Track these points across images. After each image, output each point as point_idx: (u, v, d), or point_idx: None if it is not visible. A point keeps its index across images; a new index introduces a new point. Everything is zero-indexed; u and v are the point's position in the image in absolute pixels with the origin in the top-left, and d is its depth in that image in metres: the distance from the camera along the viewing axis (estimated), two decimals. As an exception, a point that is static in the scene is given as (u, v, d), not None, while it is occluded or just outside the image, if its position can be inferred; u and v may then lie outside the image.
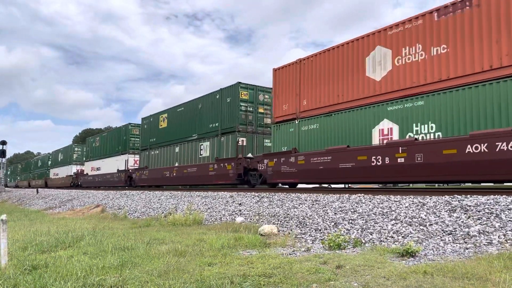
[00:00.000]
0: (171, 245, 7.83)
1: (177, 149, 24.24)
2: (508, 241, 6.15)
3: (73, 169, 44.66)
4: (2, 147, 48.46)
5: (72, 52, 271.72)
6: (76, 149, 46.44)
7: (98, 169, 36.81)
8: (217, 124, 20.79)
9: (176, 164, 23.97)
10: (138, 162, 30.68)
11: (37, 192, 36.44)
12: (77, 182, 41.39)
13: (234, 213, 12.04)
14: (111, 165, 33.48)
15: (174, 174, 23.63)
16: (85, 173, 40.39)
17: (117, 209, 17.81)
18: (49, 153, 57.32)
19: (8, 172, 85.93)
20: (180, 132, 24.25)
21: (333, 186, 21.95)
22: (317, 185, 20.75)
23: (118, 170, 31.70)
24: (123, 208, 17.48)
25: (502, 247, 5.94)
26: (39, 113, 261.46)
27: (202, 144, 21.73)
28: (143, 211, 15.82)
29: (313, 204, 10.56)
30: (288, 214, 10.37)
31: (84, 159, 43.47)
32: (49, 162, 55.43)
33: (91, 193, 25.92)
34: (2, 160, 51.47)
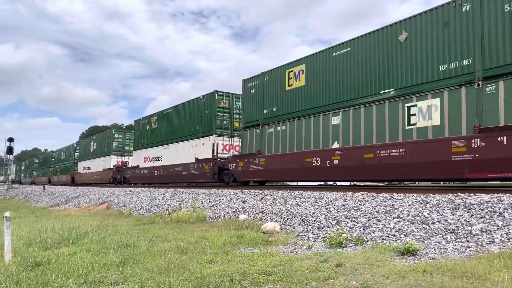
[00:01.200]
0: (173, 242, 7.87)
1: (335, 120, 14.51)
2: (511, 240, 6.11)
3: (112, 161, 35.28)
4: (10, 144, 48.83)
5: (79, 50, 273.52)
6: (116, 135, 36.67)
7: (156, 159, 27.39)
8: (467, 62, 10.89)
9: (335, 145, 14.29)
10: (231, 146, 22.11)
11: (44, 189, 36.74)
12: (120, 178, 32.63)
13: (237, 210, 12.07)
14: (181, 153, 24.36)
15: (336, 162, 13.86)
16: (133, 165, 31.49)
17: (122, 206, 17.92)
18: (76, 142, 48.69)
19: (23, 168, 78.41)
20: (340, 92, 14.46)
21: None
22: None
23: (197, 159, 22.35)
24: (128, 205, 17.58)
25: (504, 246, 5.91)
26: (46, 110, 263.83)
27: (412, 106, 12.07)
28: (148, 208, 15.91)
29: (316, 202, 10.56)
30: (291, 211, 10.38)
31: (128, 148, 35.51)
32: (76, 154, 46.33)
33: (96, 190, 26.10)
34: (9, 157, 51.90)
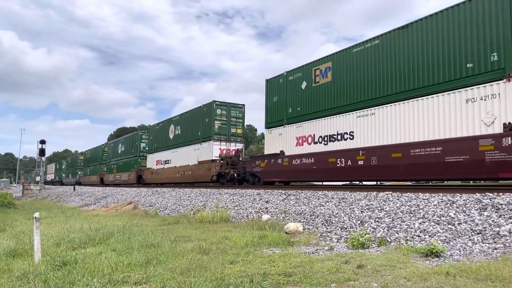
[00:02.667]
0: (196, 242, 7.95)
1: None
2: (541, 242, 5.90)
3: (214, 149, 23.54)
4: (41, 146, 50.37)
5: (107, 53, 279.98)
6: (218, 111, 24.22)
7: (333, 139, 15.13)
8: None
9: None
10: None
11: (74, 189, 37.77)
12: (233, 174, 21.25)
13: (260, 210, 12.09)
14: (417, 120, 12.01)
15: None
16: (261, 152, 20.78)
17: (148, 206, 18.23)
18: (142, 130, 36.88)
19: (63, 166, 69.19)
20: None
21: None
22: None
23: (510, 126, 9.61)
24: (154, 205, 17.87)
25: (533, 248, 5.71)
26: (76, 112, 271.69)
27: None
28: (173, 208, 16.13)
29: (340, 202, 10.47)
30: (314, 212, 10.32)
31: (235, 130, 24.56)
32: (142, 145, 34.55)
33: (124, 190, 26.63)
34: (41, 159, 53.58)
